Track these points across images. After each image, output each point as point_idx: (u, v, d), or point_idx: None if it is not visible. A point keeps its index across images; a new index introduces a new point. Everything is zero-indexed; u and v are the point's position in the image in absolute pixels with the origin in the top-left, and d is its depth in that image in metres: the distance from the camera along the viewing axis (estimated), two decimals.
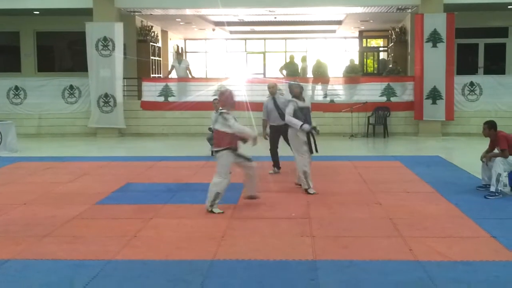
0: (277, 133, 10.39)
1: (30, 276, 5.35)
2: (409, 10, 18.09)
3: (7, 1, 17.27)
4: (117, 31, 16.83)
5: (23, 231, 6.82)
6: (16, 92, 17.65)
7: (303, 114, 8.95)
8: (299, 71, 19.02)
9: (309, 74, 18.81)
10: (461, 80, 16.88)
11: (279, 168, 10.70)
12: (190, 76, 18.01)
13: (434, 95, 16.32)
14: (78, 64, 18.75)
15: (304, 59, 19.60)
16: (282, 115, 9.86)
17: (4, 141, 13.77)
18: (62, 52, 22.19)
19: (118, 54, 16.85)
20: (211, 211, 7.61)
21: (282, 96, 10.78)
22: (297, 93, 9.07)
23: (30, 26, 20.22)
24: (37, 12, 18.70)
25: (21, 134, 15.56)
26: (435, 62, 16.21)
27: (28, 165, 11.82)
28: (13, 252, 6.00)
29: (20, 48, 20.53)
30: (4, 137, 13.77)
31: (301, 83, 9.49)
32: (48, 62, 21.14)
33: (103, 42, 16.75)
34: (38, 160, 12.57)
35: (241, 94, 16.57)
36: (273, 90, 10.44)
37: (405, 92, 16.99)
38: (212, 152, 12.89)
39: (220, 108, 7.80)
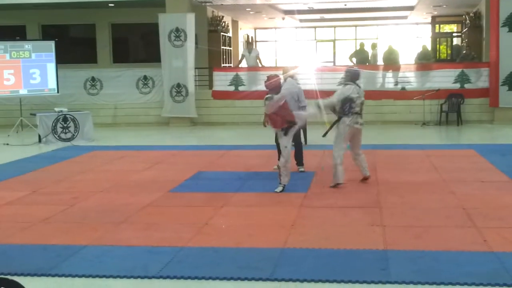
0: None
1: (107, 262, 5.53)
2: None
3: None
4: (189, 22, 17.08)
5: (100, 218, 7.07)
6: (93, 83, 18.21)
7: None
8: (369, 59, 18.78)
9: (380, 62, 18.54)
10: None
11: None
12: (260, 65, 18.09)
13: (511, 81, 15.78)
14: (152, 55, 19.14)
15: (374, 46, 19.33)
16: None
17: (82, 130, 14.25)
18: (136, 43, 22.70)
19: (190, 44, 17.10)
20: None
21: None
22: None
23: (106, 18, 20.77)
24: (112, 5, 19.19)
25: (98, 123, 16.05)
26: (511, 47, 15.67)
27: (104, 154, 12.21)
28: (91, 238, 6.22)
29: (96, 40, 21.12)
30: (82, 127, 14.25)
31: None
32: (123, 54, 21.67)
33: (175, 33, 17.04)
34: (113, 149, 12.96)
35: (311, 83, 16.55)
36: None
37: (479, 79, 16.51)
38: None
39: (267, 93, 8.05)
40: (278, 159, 9.28)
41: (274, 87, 8.27)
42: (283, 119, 8.25)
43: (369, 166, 9.42)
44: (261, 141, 13.63)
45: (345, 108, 8.39)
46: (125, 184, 9.10)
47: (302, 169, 9.80)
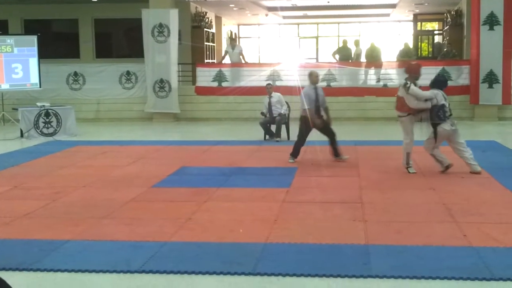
0: (309, 124, 10.12)
1: (90, 256, 5.52)
2: None
3: None
4: (172, 18, 17.05)
5: (82, 213, 7.05)
6: (75, 78, 18.10)
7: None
8: (353, 56, 18.87)
9: (363, 59, 18.63)
10: None
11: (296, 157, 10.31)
12: (243, 62, 18.11)
13: (491, 78, 15.95)
14: (135, 51, 19.10)
15: (357, 43, 19.42)
16: (319, 108, 10.10)
17: (64, 125, 14.18)
18: (119, 38, 22.61)
19: (173, 40, 17.08)
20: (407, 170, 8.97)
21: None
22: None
23: (89, 13, 20.66)
24: (95, 0, 19.07)
25: (80, 118, 15.98)
26: (491, 45, 15.83)
27: (87, 149, 12.16)
28: (73, 233, 6.21)
29: (79, 35, 21.00)
30: (64, 122, 14.19)
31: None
32: (106, 49, 21.59)
33: (158, 28, 17.00)
34: (96, 144, 12.91)
35: (293, 79, 16.61)
36: (315, 79, 10.29)
37: (460, 76, 16.66)
38: (265, 136, 13.03)
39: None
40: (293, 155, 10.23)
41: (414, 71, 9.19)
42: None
43: (351, 162, 9.49)
44: (244, 136, 13.69)
45: (440, 114, 9.13)
46: (108, 179, 9.08)
47: (345, 157, 10.26)
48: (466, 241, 5.80)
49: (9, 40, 16.01)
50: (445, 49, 19.73)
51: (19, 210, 7.19)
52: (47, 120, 13.95)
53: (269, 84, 13.45)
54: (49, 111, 14.00)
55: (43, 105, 14.13)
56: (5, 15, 20.67)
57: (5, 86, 15.94)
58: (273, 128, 13.02)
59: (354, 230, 6.24)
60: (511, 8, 15.75)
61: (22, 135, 13.81)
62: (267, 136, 13.08)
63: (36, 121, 13.82)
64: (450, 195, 7.72)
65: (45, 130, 13.91)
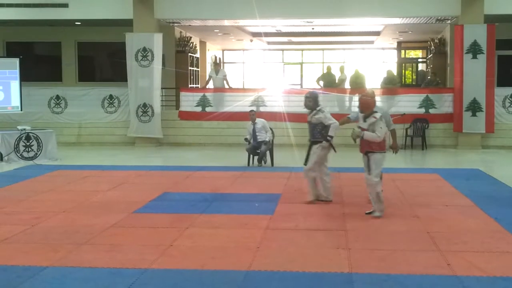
0: None
1: (68, 284, 5.42)
2: (449, 21, 17.89)
3: (49, 12, 17.61)
4: (157, 42, 17.04)
5: (61, 239, 6.93)
6: (57, 101, 17.98)
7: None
8: (336, 82, 18.94)
9: (347, 85, 18.70)
10: (501, 92, 16.62)
11: None
12: (227, 86, 18.12)
13: (474, 107, 16.08)
14: (118, 74, 19.03)
15: (342, 69, 19.50)
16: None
17: (45, 149, 14.03)
18: (102, 62, 22.53)
19: (157, 64, 17.05)
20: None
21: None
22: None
23: (72, 36, 20.59)
24: (79, 23, 19.05)
25: (61, 142, 15.83)
26: (475, 74, 15.99)
27: (68, 173, 12.02)
28: (52, 259, 6.09)
29: (62, 58, 20.91)
30: (45, 146, 14.03)
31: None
32: (89, 72, 21.49)
33: (142, 52, 16.97)
34: (77, 168, 12.77)
35: (278, 105, 16.62)
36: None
37: (444, 104, 16.77)
38: (248, 162, 12.97)
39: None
40: None
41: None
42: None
43: (334, 189, 9.44)
44: (228, 162, 13.63)
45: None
46: (88, 204, 8.95)
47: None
48: (450, 270, 5.77)
49: None
50: (428, 77, 19.91)
51: None
52: (28, 143, 13.79)
53: (252, 111, 13.42)
54: (30, 134, 13.85)
55: (24, 129, 13.98)
56: None
57: None
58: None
59: (337, 258, 6.18)
60: (494, 37, 15.95)
61: (1, 159, 13.62)
62: (250, 162, 13.02)
63: (16, 144, 13.66)
64: (433, 223, 7.70)
65: (25, 154, 13.75)
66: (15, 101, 16.03)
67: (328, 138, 8.78)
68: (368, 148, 8.04)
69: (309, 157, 8.88)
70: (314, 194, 8.95)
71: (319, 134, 8.83)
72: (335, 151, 9.04)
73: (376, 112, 8.09)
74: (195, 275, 5.63)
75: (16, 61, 16.10)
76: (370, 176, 8.01)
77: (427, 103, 16.76)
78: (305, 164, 8.92)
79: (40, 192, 9.97)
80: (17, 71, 15.99)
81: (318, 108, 8.91)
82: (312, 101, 8.95)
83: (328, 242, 6.81)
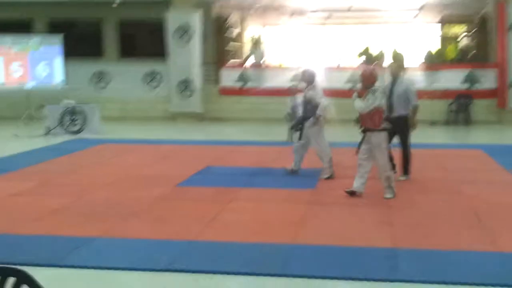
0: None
1: (115, 254, 5.55)
2: None
3: None
4: (196, 19, 17.09)
5: (108, 211, 7.07)
6: (100, 77, 18.22)
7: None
8: (375, 58, 18.71)
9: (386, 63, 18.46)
10: None
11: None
12: (266, 63, 18.08)
13: None
14: (159, 50, 19.11)
15: (380, 54, 19.17)
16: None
17: (90, 123, 14.26)
18: (143, 39, 22.60)
19: (197, 41, 17.11)
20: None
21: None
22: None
23: (113, 14, 20.71)
24: (119, 0, 19.16)
25: (105, 117, 16.03)
26: None
27: (112, 147, 12.21)
28: (99, 231, 6.23)
29: (103, 35, 21.08)
30: (89, 120, 14.27)
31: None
32: (130, 48, 21.60)
33: (182, 29, 17.04)
34: (121, 142, 12.96)
35: (318, 81, 16.52)
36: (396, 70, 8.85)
37: (488, 80, 16.46)
38: (289, 137, 12.96)
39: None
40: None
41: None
42: None
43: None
44: (269, 137, 13.65)
45: None
46: (133, 177, 9.09)
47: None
48: (495, 246, 5.71)
49: (35, 39, 16.17)
50: (472, 53, 19.51)
51: (46, 206, 7.25)
52: (73, 118, 14.04)
53: (292, 85, 13.38)
54: (75, 109, 14.09)
55: (70, 103, 14.22)
56: (31, 15, 20.81)
57: (31, 84, 16.08)
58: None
59: (380, 232, 6.18)
60: None
61: (48, 133, 13.90)
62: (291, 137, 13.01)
63: (61, 119, 13.91)
64: (478, 199, 7.61)
65: (70, 128, 14.00)
66: (59, 76, 16.33)
67: (316, 115, 8.75)
68: (364, 124, 7.68)
69: (302, 134, 8.96)
70: (298, 166, 9.05)
71: (310, 110, 8.85)
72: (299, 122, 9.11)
73: (374, 86, 7.69)
74: (240, 248, 5.69)
75: (59, 38, 16.36)
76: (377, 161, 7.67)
77: (470, 79, 16.48)
78: (300, 139, 9.02)
79: (86, 165, 10.17)
80: (60, 47, 16.26)
81: (313, 84, 8.95)
82: (308, 76, 9.01)
83: (370, 216, 6.80)
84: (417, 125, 8.88)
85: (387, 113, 8.21)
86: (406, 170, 8.87)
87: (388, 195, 7.66)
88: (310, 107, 8.86)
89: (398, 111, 8.57)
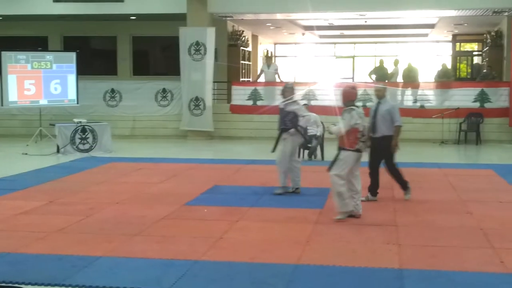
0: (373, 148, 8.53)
1: (121, 274, 5.54)
2: (506, 13, 17.44)
3: (105, 7, 17.99)
4: (209, 36, 17.18)
5: (115, 229, 7.09)
6: (112, 95, 18.35)
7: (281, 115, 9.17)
8: (388, 75, 18.71)
9: (399, 79, 18.47)
10: None
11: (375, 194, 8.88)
12: (278, 80, 18.13)
13: None
14: (171, 68, 19.26)
15: (396, 63, 19.21)
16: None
17: (100, 141, 14.33)
18: (156, 56, 22.86)
19: (209, 58, 17.20)
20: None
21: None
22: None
23: (127, 31, 20.94)
24: (134, 18, 19.36)
25: (116, 135, 16.13)
26: None
27: (122, 166, 12.27)
28: (105, 250, 6.24)
29: (117, 52, 21.29)
30: (100, 138, 14.33)
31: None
32: (143, 66, 21.82)
33: (195, 46, 17.15)
34: (131, 161, 13.01)
35: (330, 99, 16.53)
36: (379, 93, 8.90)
37: (500, 98, 16.40)
38: (298, 156, 12.94)
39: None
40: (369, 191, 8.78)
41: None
42: None
43: (385, 183, 9.34)
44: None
45: None
46: (141, 196, 9.13)
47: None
48: (504, 267, 5.66)
49: (49, 56, 16.33)
50: (484, 71, 19.48)
51: (54, 225, 7.27)
52: (83, 136, 14.11)
53: (305, 104, 13.38)
54: (86, 127, 14.17)
55: (80, 121, 14.31)
56: (45, 32, 21.08)
57: (44, 101, 16.22)
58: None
59: (387, 253, 6.14)
60: None
61: (58, 151, 13.98)
62: (301, 157, 13.01)
63: (72, 137, 13.99)
64: (487, 219, 7.56)
65: (81, 146, 14.07)
66: (72, 94, 16.48)
67: (298, 128, 9.01)
68: (340, 143, 7.63)
69: (282, 148, 9.11)
70: (298, 185, 9.25)
71: (290, 122, 9.00)
72: (306, 140, 9.40)
73: (353, 105, 7.64)
74: (245, 268, 5.68)
75: (73, 55, 16.53)
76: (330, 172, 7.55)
77: (482, 97, 16.42)
78: (273, 151, 9.23)
79: (95, 183, 10.21)
80: (74, 65, 16.41)
81: (294, 99, 9.24)
82: (290, 91, 9.25)
83: (378, 237, 6.77)
84: (398, 146, 8.75)
85: (370, 133, 8.33)
86: (373, 191, 8.79)
87: (338, 216, 7.56)
88: (289, 118, 9.01)
89: (381, 131, 8.56)
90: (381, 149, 8.53)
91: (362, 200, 7.91)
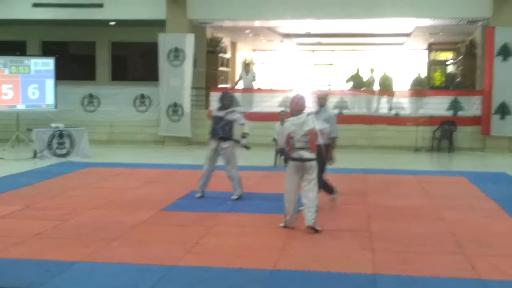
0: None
1: (97, 279, 5.57)
2: (480, 23, 17.74)
3: (84, 12, 17.96)
4: (188, 42, 17.23)
5: (92, 235, 7.10)
6: (91, 100, 18.30)
7: (214, 123, 9.37)
8: (366, 83, 18.92)
9: (376, 87, 18.68)
10: None
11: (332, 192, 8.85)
12: (256, 87, 18.21)
13: (503, 110, 15.95)
14: (150, 74, 19.24)
15: (372, 71, 19.44)
16: None
17: (77, 147, 14.29)
18: (135, 62, 22.81)
19: (188, 64, 17.24)
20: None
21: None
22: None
23: (106, 36, 20.88)
24: (113, 23, 19.33)
25: (93, 140, 16.07)
26: (505, 77, 15.86)
27: (99, 171, 12.24)
28: (82, 255, 6.26)
29: (96, 57, 21.23)
30: (77, 143, 14.30)
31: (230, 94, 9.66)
32: (122, 72, 21.76)
33: (174, 52, 17.19)
34: (108, 166, 12.98)
35: (307, 106, 16.63)
36: (321, 101, 8.84)
37: (472, 107, 16.66)
38: (275, 162, 13.05)
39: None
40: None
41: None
42: None
43: (360, 190, 9.45)
44: (254, 162, 13.69)
45: None
46: (118, 201, 9.14)
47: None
48: (475, 273, 5.78)
49: (27, 61, 16.25)
50: (457, 79, 19.78)
51: (30, 230, 7.26)
52: (61, 141, 14.07)
53: (283, 111, 13.49)
54: (63, 132, 14.13)
55: (57, 126, 14.26)
56: (24, 36, 20.94)
57: (21, 106, 16.12)
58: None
59: (361, 259, 6.24)
60: None
61: (35, 156, 13.92)
62: (277, 162, 13.11)
63: (49, 142, 13.94)
64: (459, 226, 7.70)
65: (58, 151, 14.03)
66: (50, 99, 16.40)
67: (244, 135, 9.28)
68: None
69: (222, 155, 9.35)
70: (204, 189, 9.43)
71: (229, 131, 9.27)
72: (247, 148, 9.47)
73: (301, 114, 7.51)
74: (221, 273, 5.73)
75: (51, 60, 16.45)
76: None
77: (455, 106, 16.68)
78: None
79: (72, 188, 10.19)
80: (52, 69, 16.34)
81: (234, 108, 9.48)
82: (231, 100, 9.45)
83: (352, 243, 6.87)
84: (334, 159, 8.69)
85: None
86: (329, 191, 8.74)
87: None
88: (229, 127, 9.25)
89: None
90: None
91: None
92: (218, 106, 9.44)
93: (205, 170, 9.44)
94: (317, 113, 8.56)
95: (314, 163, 7.39)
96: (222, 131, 9.23)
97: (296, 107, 7.61)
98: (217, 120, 9.35)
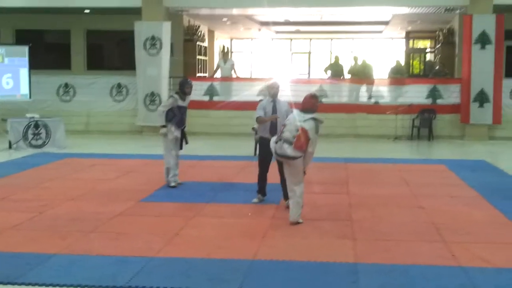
0: (268, 148, 7.65)
1: (75, 271, 5.48)
2: (458, 11, 17.80)
3: (59, 0, 17.67)
4: (165, 30, 17.05)
5: (69, 226, 7.00)
6: (66, 89, 18.04)
7: (180, 113, 9.52)
8: (347, 72, 18.86)
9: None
10: (509, 83, 16.55)
11: (264, 195, 8.50)
12: (235, 76, 18.11)
13: (482, 98, 16.04)
14: (126, 63, 19.02)
15: (356, 59, 19.29)
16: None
17: (53, 137, 14.09)
18: (111, 50, 22.56)
19: (165, 53, 17.07)
20: None
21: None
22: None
23: (81, 24, 20.61)
24: (88, 11, 19.07)
25: (70, 130, 15.85)
26: (483, 65, 15.94)
27: (76, 161, 12.09)
28: (59, 247, 6.16)
29: (71, 46, 20.94)
30: (53, 134, 14.09)
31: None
32: (98, 60, 21.51)
33: (151, 41, 16.99)
34: (85, 156, 12.83)
35: (286, 95, 16.60)
36: (275, 91, 8.43)
37: (451, 95, 16.73)
38: (255, 152, 12.99)
39: None
40: (258, 192, 8.46)
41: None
42: None
43: (341, 179, 9.45)
44: (234, 151, 13.66)
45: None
46: (95, 192, 9.02)
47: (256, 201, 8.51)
48: (455, 261, 5.80)
49: (0, 50, 15.95)
50: (436, 67, 19.86)
51: (6, 222, 7.13)
52: (36, 131, 13.86)
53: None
54: (39, 122, 13.91)
55: (33, 117, 14.04)
56: None
57: None
58: None
59: (342, 248, 6.22)
60: (503, 28, 15.89)
61: (10, 147, 13.70)
62: (257, 152, 13.03)
63: (25, 132, 13.73)
64: (438, 214, 7.72)
65: (34, 142, 13.82)
66: (24, 89, 16.10)
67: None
68: None
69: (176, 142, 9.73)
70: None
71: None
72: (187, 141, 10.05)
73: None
74: (201, 264, 5.68)
75: (25, 49, 16.15)
76: None
77: (434, 94, 16.74)
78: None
79: (48, 180, 10.04)
80: (26, 58, 16.05)
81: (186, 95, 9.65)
82: (191, 88, 9.62)
83: (333, 232, 6.85)
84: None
85: (268, 134, 8.02)
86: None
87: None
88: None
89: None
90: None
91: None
92: (179, 95, 9.53)
93: (174, 157, 9.63)
94: (274, 103, 8.25)
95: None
96: (183, 121, 9.66)
97: (306, 105, 7.39)
98: (181, 109, 9.56)
